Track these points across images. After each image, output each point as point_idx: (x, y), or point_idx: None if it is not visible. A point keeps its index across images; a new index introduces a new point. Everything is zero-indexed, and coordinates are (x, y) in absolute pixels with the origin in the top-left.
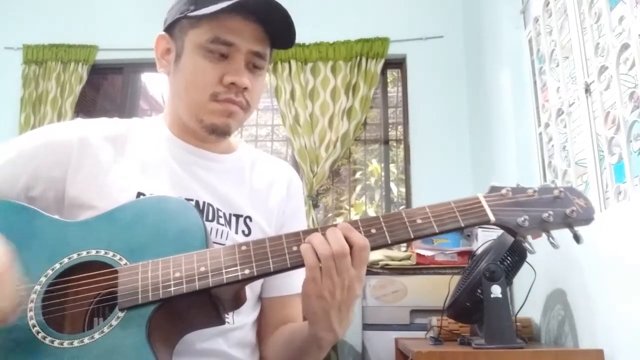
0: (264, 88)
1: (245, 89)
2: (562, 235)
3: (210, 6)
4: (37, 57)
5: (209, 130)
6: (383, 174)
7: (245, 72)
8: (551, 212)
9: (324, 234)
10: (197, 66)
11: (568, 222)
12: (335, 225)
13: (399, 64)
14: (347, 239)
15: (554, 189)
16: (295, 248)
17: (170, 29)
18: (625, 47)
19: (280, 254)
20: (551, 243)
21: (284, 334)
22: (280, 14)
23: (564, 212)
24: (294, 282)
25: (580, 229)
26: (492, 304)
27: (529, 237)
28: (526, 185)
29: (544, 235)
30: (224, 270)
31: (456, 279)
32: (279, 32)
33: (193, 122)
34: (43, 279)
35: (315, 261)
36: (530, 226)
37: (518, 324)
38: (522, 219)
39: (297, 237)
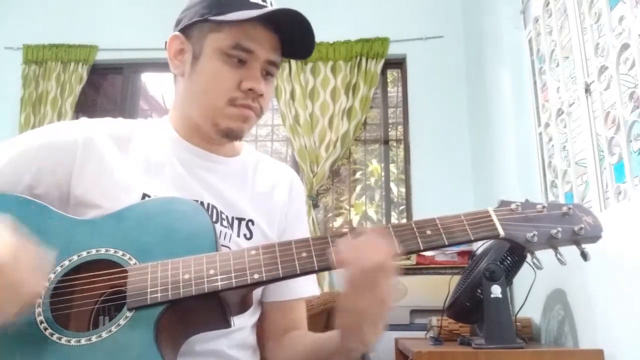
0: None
1: (261, 95)
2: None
3: (234, 12)
4: (37, 57)
5: (223, 134)
6: (383, 174)
7: (261, 79)
8: (560, 229)
9: (353, 240)
10: (216, 70)
11: (576, 239)
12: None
13: (399, 64)
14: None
15: (563, 206)
16: (304, 254)
17: (186, 30)
18: (625, 47)
19: (290, 259)
20: (559, 259)
21: (305, 344)
22: (304, 26)
23: (573, 229)
24: (297, 286)
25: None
26: (492, 304)
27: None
28: (530, 199)
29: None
30: (233, 274)
31: (456, 279)
32: (297, 42)
33: (208, 125)
34: (52, 276)
35: (349, 274)
36: (539, 242)
37: (518, 324)
38: (531, 234)
39: (306, 244)
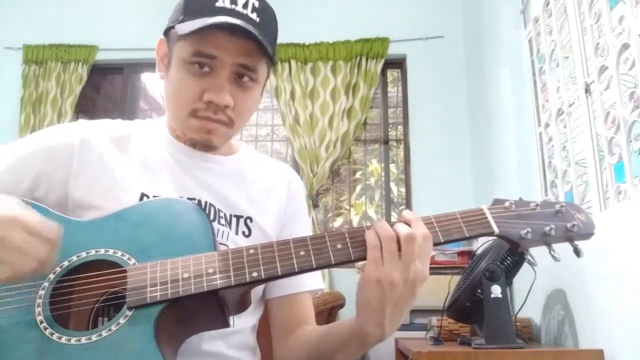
0: (257, 99)
1: (227, 107)
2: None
3: (195, 19)
4: (37, 57)
5: (191, 144)
6: (383, 174)
7: (229, 87)
8: (553, 226)
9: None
10: (180, 80)
11: (569, 235)
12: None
13: (399, 64)
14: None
15: (556, 204)
16: (302, 252)
17: (166, 34)
18: (625, 47)
19: (288, 257)
20: (552, 256)
21: (317, 333)
22: (251, 36)
23: (565, 226)
24: (301, 279)
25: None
26: (492, 304)
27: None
28: (528, 199)
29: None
30: (232, 273)
31: (456, 279)
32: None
33: (180, 133)
34: (52, 276)
35: (376, 239)
36: (533, 238)
37: (518, 324)
38: (525, 231)
39: (304, 242)
